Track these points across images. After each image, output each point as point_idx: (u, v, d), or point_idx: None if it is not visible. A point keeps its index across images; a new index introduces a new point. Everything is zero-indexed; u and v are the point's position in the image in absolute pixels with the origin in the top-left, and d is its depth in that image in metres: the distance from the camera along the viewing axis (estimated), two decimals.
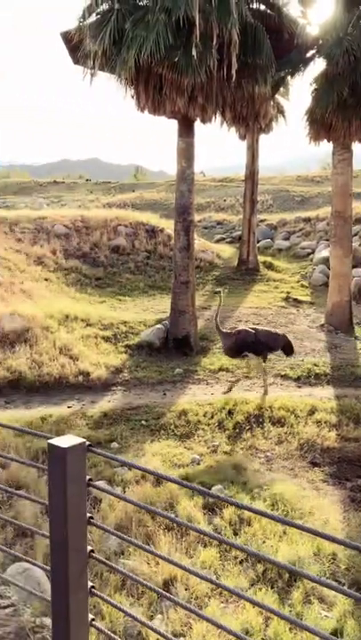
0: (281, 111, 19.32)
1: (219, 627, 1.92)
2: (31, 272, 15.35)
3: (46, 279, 15.35)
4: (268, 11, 12.10)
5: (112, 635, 2.31)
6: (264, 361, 9.77)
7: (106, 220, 19.05)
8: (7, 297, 12.70)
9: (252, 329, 9.61)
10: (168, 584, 4.90)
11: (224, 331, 9.63)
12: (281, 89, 16.15)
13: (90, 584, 2.18)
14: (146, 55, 10.06)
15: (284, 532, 5.59)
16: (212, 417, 8.58)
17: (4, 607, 2.36)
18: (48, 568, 2.21)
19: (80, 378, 9.84)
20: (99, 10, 11.11)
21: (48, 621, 2.38)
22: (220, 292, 10.01)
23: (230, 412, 8.65)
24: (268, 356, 9.90)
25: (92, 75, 11.25)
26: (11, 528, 5.45)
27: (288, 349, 9.88)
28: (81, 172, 51.44)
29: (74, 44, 11.27)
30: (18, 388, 9.46)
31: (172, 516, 5.53)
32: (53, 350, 10.28)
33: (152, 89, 11.07)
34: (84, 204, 28.99)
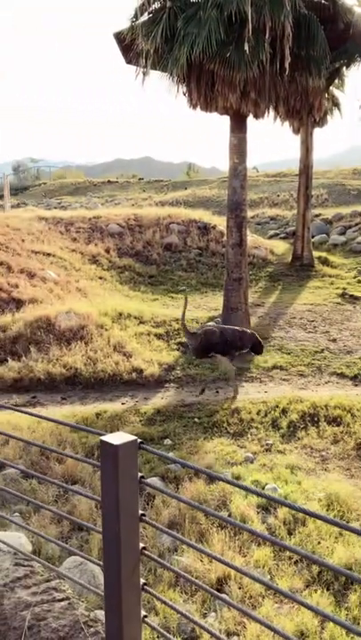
0: (336, 103, 18.88)
1: (271, 629, 1.89)
2: (86, 271, 15.63)
3: (100, 277, 15.60)
4: (323, 1, 11.85)
5: (164, 632, 2.32)
6: (231, 360, 9.37)
7: (158, 218, 19.16)
8: (63, 295, 12.99)
9: (218, 328, 9.31)
10: (222, 582, 4.89)
11: (190, 331, 9.34)
12: (336, 80, 15.82)
13: (142, 581, 2.19)
14: (198, 52, 10.05)
15: (340, 534, 5.48)
16: (266, 415, 8.50)
17: (60, 600, 2.41)
18: (101, 563, 2.23)
19: (133, 375, 9.95)
20: (151, 9, 11.18)
21: (102, 615, 2.41)
22: (185, 290, 9.66)
23: (284, 411, 8.54)
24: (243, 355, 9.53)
25: (145, 74, 11.35)
26: (67, 521, 5.56)
27: (257, 348, 9.54)
28: (134, 170, 51.92)
29: (126, 44, 11.39)
30: (74, 384, 9.66)
31: (225, 515, 5.51)
32: (107, 347, 10.43)
33: (204, 85, 11.05)
34: (137, 203, 29.26)
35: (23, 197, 36.47)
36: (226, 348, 9.10)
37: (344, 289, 16.11)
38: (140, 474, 2.13)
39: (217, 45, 10.04)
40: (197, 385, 9.85)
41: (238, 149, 11.77)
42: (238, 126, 11.70)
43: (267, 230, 23.51)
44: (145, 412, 8.66)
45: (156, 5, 11.12)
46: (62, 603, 2.41)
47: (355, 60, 12.99)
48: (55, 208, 28.47)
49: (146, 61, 10.94)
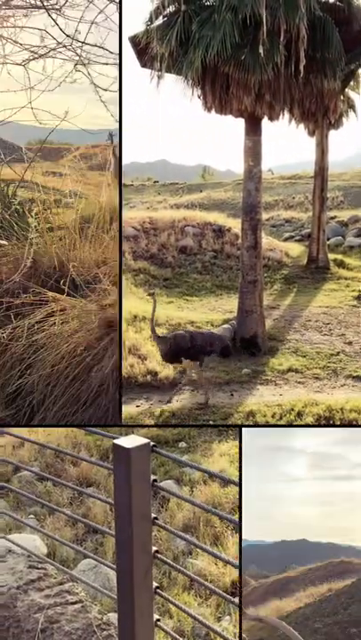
0: (351, 105, 18.74)
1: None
2: None
3: None
4: (338, 2, 11.79)
5: (176, 636, 2.31)
6: (200, 366, 9.21)
7: (173, 221, 19.17)
8: None
9: (188, 332, 9.25)
10: (236, 586, 4.87)
11: (160, 335, 9.29)
12: (351, 82, 15.73)
13: (155, 584, 2.19)
14: (212, 55, 10.05)
15: None
16: (281, 418, 8.46)
17: (73, 603, 2.41)
18: (115, 566, 2.24)
19: (148, 377, 9.94)
20: (165, 12, 11.21)
21: (115, 618, 2.41)
22: (153, 293, 9.57)
23: (299, 414, 8.50)
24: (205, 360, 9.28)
25: (159, 77, 11.36)
26: (82, 524, 5.58)
27: (225, 351, 9.40)
28: (149, 174, 52.01)
29: (141, 48, 11.42)
30: None
31: (237, 520, 5.48)
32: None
33: (219, 88, 11.04)
34: (152, 206, 29.29)
35: None
36: (196, 352, 9.02)
37: (360, 291, 16.00)
38: (153, 477, 2.13)
39: (232, 48, 10.03)
40: (212, 388, 9.84)
41: (253, 152, 11.74)
42: (253, 129, 11.67)
43: (282, 233, 23.38)
44: (160, 415, 8.66)
45: (171, 9, 11.13)
46: (75, 606, 2.41)
47: None
48: None
49: (161, 65, 10.96)
